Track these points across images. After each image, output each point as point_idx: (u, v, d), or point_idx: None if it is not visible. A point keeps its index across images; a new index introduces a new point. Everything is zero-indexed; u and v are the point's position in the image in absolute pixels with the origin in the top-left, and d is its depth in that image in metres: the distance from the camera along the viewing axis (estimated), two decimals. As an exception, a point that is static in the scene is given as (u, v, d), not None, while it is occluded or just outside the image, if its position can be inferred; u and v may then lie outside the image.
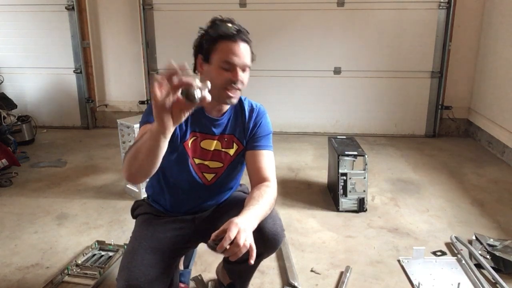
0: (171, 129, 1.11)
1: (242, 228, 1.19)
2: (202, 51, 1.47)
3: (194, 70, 1.52)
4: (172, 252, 1.53)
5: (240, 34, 1.41)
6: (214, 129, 1.54)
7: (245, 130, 1.57)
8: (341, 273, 2.05)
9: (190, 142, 1.52)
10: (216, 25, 1.44)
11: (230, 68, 1.41)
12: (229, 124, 1.56)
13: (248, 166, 1.55)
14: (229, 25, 1.43)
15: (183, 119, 1.11)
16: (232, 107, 1.57)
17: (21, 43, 4.59)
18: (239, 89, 1.44)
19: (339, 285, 1.94)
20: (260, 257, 1.57)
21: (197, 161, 1.55)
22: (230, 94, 1.43)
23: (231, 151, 1.58)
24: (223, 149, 1.57)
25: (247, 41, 1.44)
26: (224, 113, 1.55)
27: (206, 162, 1.56)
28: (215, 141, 1.55)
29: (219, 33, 1.41)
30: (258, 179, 1.49)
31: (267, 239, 1.46)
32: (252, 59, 1.48)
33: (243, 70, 1.43)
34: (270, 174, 1.50)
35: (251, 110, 1.59)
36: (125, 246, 2.23)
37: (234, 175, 1.66)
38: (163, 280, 1.42)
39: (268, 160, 1.54)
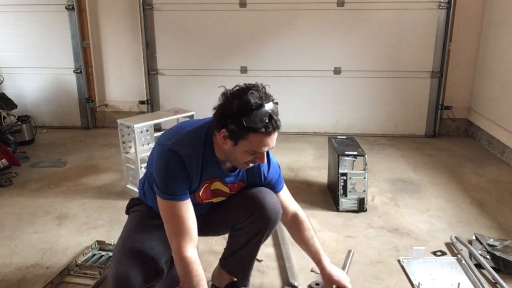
0: None
1: (344, 279, 1.72)
2: (229, 129, 1.37)
3: (213, 129, 1.44)
4: (162, 242, 1.52)
5: (273, 123, 1.35)
6: (226, 178, 1.58)
7: (255, 178, 1.63)
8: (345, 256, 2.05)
9: (201, 191, 1.56)
10: (247, 111, 1.32)
11: (258, 153, 1.42)
12: (240, 174, 1.60)
13: None
14: (261, 112, 1.32)
15: None
16: None
17: (21, 43, 4.59)
18: None
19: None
20: (260, 234, 1.64)
21: (205, 201, 1.61)
22: (250, 166, 1.50)
23: (235, 191, 1.65)
24: (229, 192, 1.63)
25: (279, 127, 1.39)
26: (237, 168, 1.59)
27: (212, 200, 1.62)
28: (225, 186, 1.60)
29: (253, 127, 1.33)
30: (287, 213, 1.72)
31: (269, 211, 1.59)
32: None
33: None
34: (294, 205, 1.76)
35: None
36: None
37: None
38: (152, 266, 1.45)
39: (287, 195, 1.76)
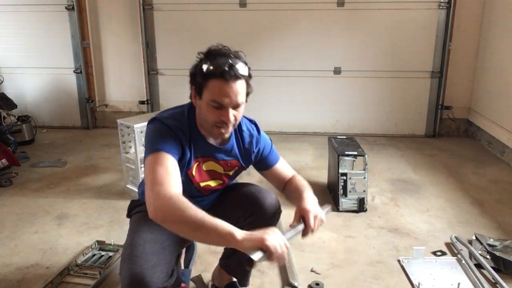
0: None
1: (315, 213, 1.40)
2: (195, 83, 1.40)
3: (190, 97, 1.47)
4: (172, 242, 1.52)
5: (232, 71, 1.32)
6: (217, 154, 1.55)
7: (248, 155, 1.60)
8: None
9: (194, 169, 1.53)
10: (209, 59, 1.36)
11: (221, 107, 1.36)
12: (232, 151, 1.58)
13: (271, 180, 1.69)
14: (222, 60, 1.33)
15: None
16: (234, 135, 1.57)
17: (21, 43, 4.59)
18: (231, 125, 1.42)
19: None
20: None
21: (202, 184, 1.58)
22: (221, 131, 1.42)
23: (231, 172, 1.62)
24: (224, 172, 1.60)
25: (240, 77, 1.35)
26: (227, 142, 1.56)
27: (209, 182, 1.59)
28: (218, 165, 1.57)
29: (210, 71, 1.33)
30: (284, 181, 1.67)
31: (268, 211, 1.58)
32: (248, 92, 1.43)
33: (235, 108, 1.39)
34: (290, 172, 1.69)
35: (250, 135, 1.60)
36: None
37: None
38: (165, 265, 1.43)
39: (284, 166, 1.69)
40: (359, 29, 4.25)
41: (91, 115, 4.77)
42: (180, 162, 1.44)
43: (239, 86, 1.35)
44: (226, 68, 1.32)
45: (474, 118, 4.27)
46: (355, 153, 2.72)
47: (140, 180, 2.83)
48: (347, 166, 2.71)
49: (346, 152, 2.71)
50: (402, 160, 3.72)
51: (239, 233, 1.16)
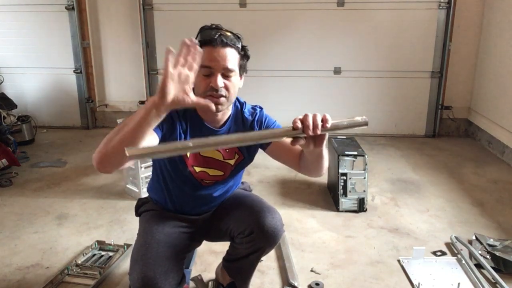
0: (167, 107, 1.05)
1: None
2: None
3: None
4: (181, 247, 1.54)
5: (219, 38, 1.35)
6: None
7: (249, 129, 1.55)
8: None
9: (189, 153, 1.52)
10: (200, 33, 1.40)
11: (210, 74, 1.36)
12: (229, 134, 1.54)
13: (281, 153, 1.54)
14: (212, 31, 1.37)
15: (186, 102, 1.05)
16: (233, 117, 1.54)
17: (21, 43, 4.59)
18: (222, 96, 1.38)
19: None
20: (259, 252, 1.60)
21: (197, 169, 1.55)
22: (212, 99, 1.37)
23: (232, 161, 1.59)
24: (224, 160, 1.57)
25: (229, 45, 1.36)
26: (224, 123, 1.53)
27: (206, 170, 1.56)
28: (217, 151, 1.54)
29: (199, 40, 1.36)
30: (297, 151, 1.48)
31: (267, 233, 1.51)
32: (242, 66, 1.43)
33: (225, 76, 1.37)
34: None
35: (253, 114, 1.56)
36: (125, 247, 2.23)
37: (234, 178, 1.68)
38: (177, 272, 1.43)
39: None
40: (359, 29, 4.25)
41: (91, 115, 4.77)
42: (171, 136, 1.43)
43: (228, 53, 1.36)
44: (215, 36, 1.35)
45: (474, 118, 4.27)
46: (355, 153, 2.72)
47: (141, 180, 2.83)
48: (347, 166, 2.71)
49: (346, 152, 2.70)
50: (402, 160, 3.72)
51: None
